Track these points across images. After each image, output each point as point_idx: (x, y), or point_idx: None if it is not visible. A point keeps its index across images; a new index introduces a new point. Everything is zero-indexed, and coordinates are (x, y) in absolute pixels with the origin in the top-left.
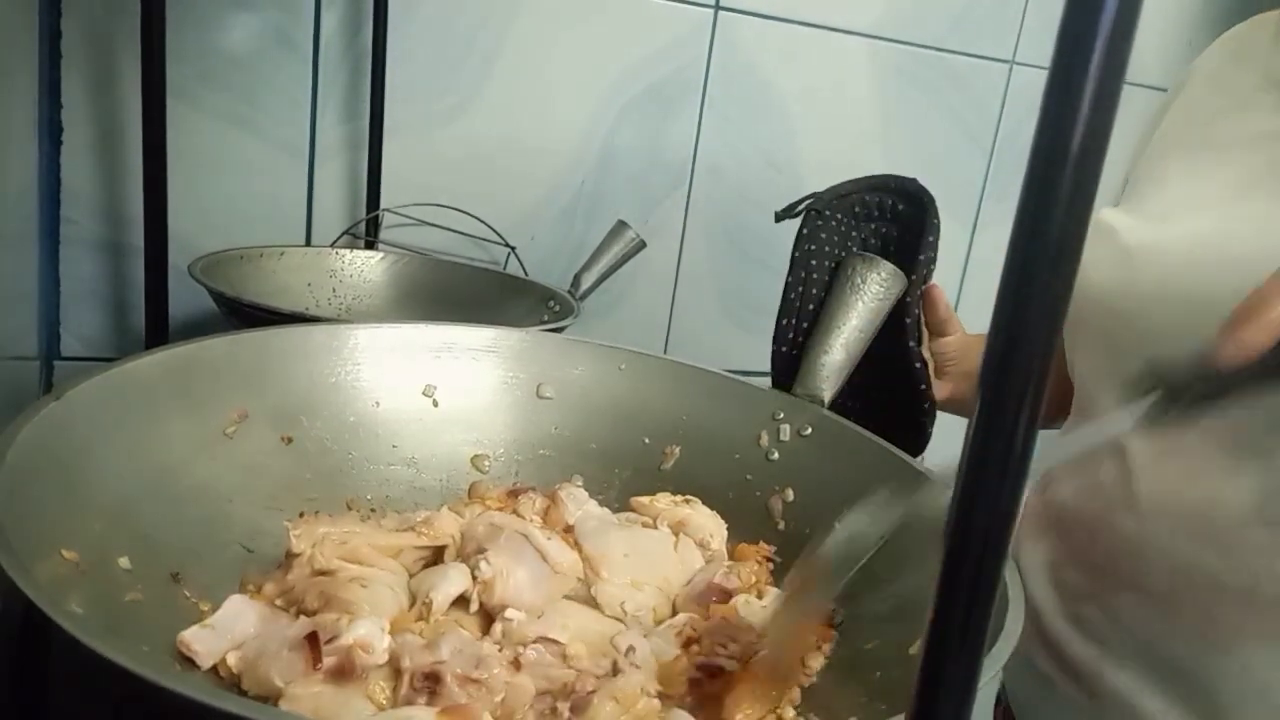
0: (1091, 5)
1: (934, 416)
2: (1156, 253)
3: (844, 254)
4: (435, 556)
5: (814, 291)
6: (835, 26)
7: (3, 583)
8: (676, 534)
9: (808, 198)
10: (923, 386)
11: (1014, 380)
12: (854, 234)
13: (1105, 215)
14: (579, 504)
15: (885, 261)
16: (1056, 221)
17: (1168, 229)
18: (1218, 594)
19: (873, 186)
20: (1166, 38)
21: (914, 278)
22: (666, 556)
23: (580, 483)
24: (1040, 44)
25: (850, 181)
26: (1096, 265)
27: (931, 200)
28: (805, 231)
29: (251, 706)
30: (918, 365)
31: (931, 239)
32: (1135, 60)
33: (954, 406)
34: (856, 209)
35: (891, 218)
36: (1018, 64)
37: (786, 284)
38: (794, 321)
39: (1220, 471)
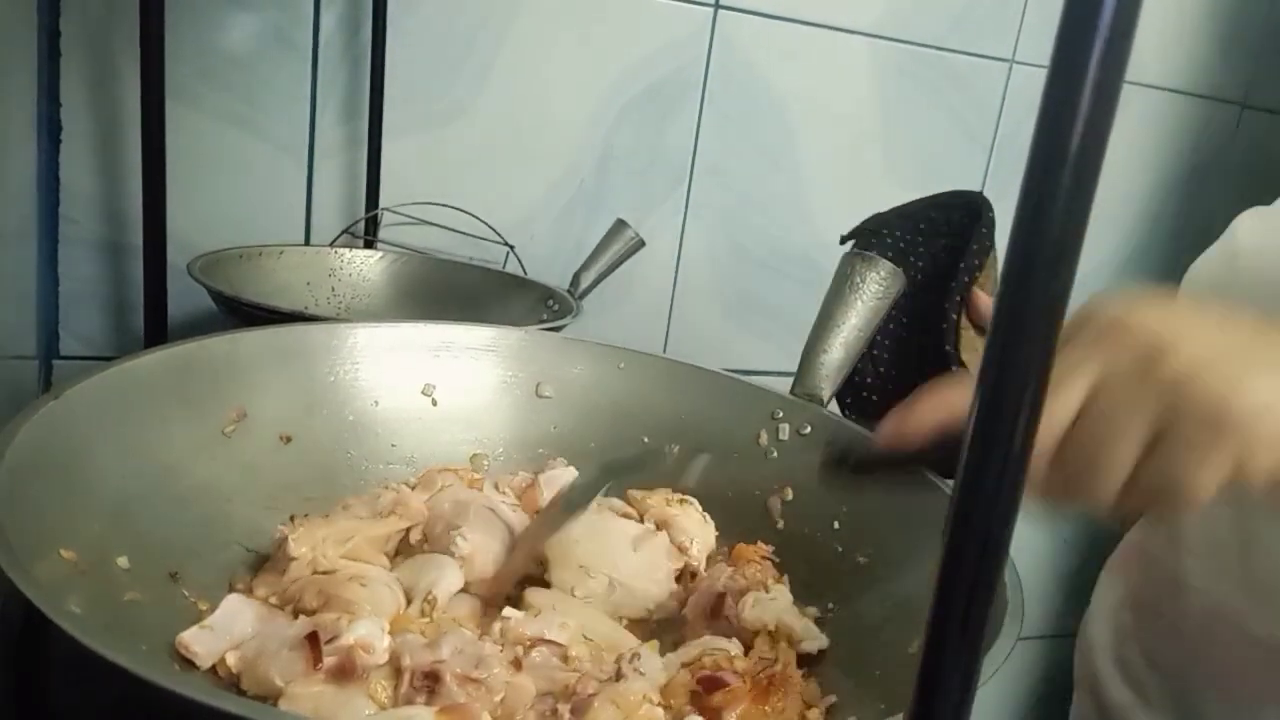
0: (1091, 5)
1: None
2: (1262, 253)
3: (907, 271)
4: (404, 535)
5: None
6: (835, 26)
7: (3, 583)
8: (653, 528)
9: (871, 218)
10: None
11: (1014, 380)
12: (920, 249)
13: (1242, 215)
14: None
15: (884, 260)
16: (1056, 221)
17: (1276, 223)
18: (1247, 645)
19: (937, 203)
20: (1166, 38)
21: (953, 284)
22: (618, 546)
23: (564, 463)
24: (1040, 43)
25: (916, 200)
26: (1205, 262)
27: (982, 209)
28: (857, 249)
29: (251, 706)
30: (954, 369)
31: (975, 246)
32: (1135, 60)
33: None
34: (921, 225)
35: (955, 231)
36: (1018, 63)
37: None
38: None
39: (1264, 515)
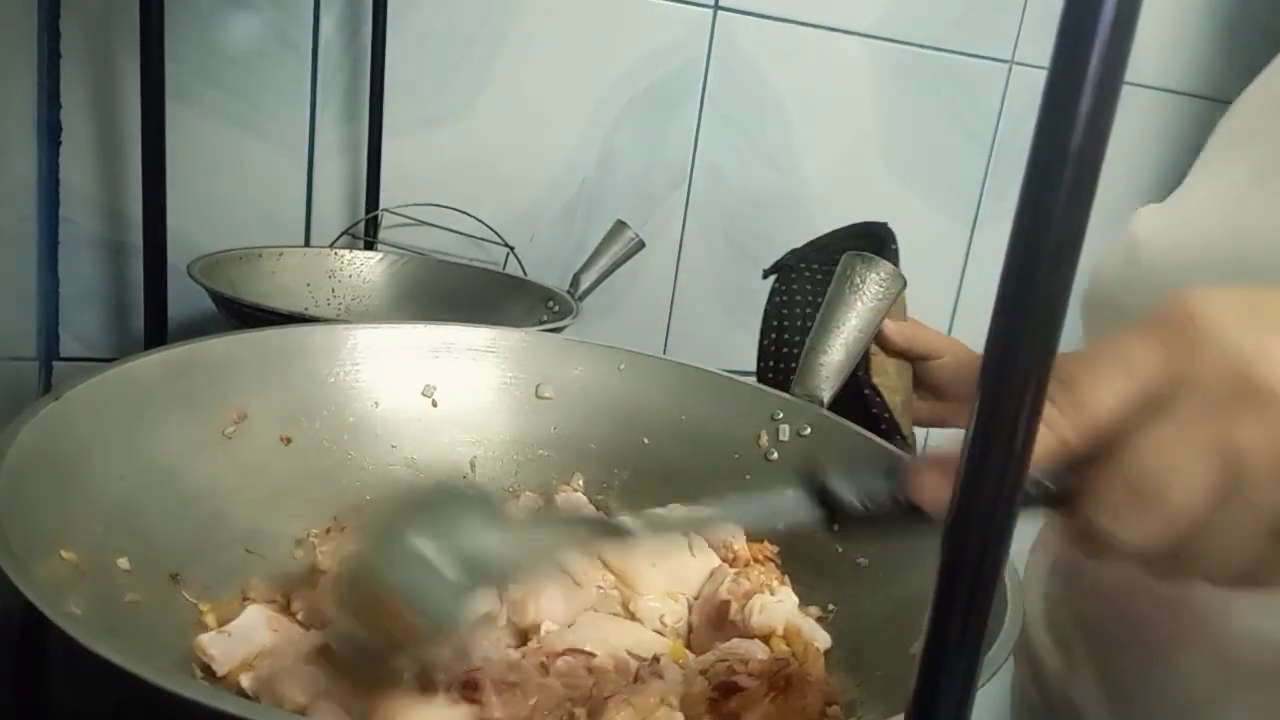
0: (1091, 5)
1: (905, 441)
2: (1158, 246)
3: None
4: None
5: (795, 338)
6: (835, 26)
7: (3, 584)
8: (687, 534)
9: (789, 254)
10: (874, 410)
11: (1014, 380)
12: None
13: (1140, 210)
14: (576, 509)
15: (885, 261)
16: (1056, 221)
17: (1176, 217)
18: (1158, 601)
19: (850, 234)
20: (1166, 38)
21: None
22: (688, 562)
23: (581, 483)
24: (1040, 44)
25: (830, 233)
26: (1109, 257)
27: (886, 240)
28: (778, 286)
29: (252, 707)
30: (866, 392)
31: None
32: (1135, 60)
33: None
34: (835, 257)
35: None
36: (1017, 64)
37: (760, 337)
38: (773, 364)
39: None
